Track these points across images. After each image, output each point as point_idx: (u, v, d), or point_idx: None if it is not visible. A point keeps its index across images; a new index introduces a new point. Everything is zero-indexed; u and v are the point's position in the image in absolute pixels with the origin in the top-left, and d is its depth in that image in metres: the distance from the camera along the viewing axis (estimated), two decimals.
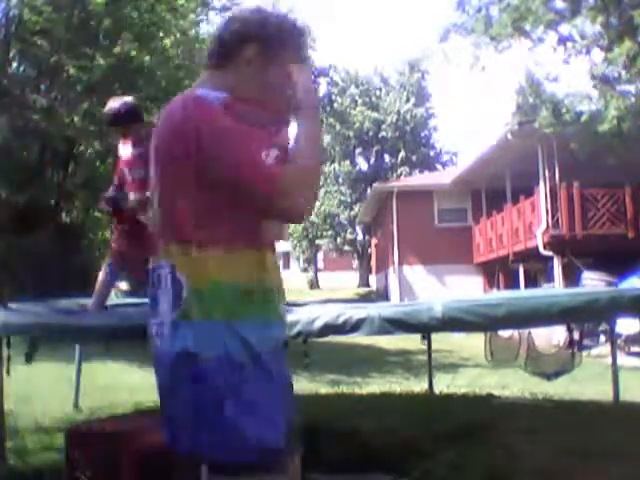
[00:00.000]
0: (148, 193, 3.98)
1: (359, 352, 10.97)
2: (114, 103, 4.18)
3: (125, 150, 4.23)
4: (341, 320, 3.65)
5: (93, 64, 12.66)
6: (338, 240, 34.92)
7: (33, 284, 11.61)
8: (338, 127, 33.57)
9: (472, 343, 10.79)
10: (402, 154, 33.75)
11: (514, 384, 7.51)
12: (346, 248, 36.17)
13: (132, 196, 4.15)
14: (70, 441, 3.47)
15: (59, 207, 14.31)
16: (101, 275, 4.26)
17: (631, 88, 13.11)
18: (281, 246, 18.93)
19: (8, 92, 12.50)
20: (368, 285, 32.06)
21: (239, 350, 1.55)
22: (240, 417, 1.54)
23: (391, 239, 21.18)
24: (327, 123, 30.51)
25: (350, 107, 34.24)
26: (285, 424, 1.61)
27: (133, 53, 13.38)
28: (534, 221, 15.58)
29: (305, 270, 40.52)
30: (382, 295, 22.31)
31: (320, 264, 42.38)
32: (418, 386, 7.47)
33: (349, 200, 34.19)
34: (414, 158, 34.06)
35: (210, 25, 18.47)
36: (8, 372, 4.05)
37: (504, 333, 7.30)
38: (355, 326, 3.61)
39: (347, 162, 34.73)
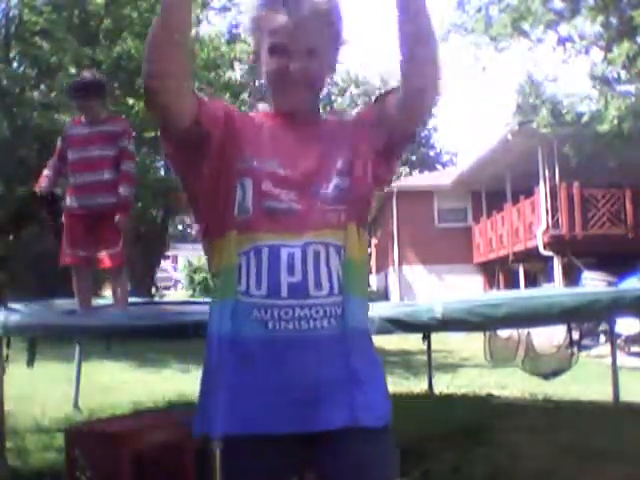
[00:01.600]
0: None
1: None
2: (81, 77, 4.21)
3: (78, 129, 4.13)
4: None
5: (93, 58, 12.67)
6: None
7: (33, 283, 11.61)
8: None
9: (472, 343, 10.79)
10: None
11: (514, 384, 7.51)
12: None
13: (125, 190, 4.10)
14: (70, 441, 3.47)
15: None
16: (75, 284, 4.16)
17: (631, 88, 13.11)
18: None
19: (8, 92, 12.51)
20: (368, 285, 32.09)
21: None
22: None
23: (391, 239, 21.17)
24: None
25: (350, 107, 34.27)
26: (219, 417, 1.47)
27: (133, 52, 13.39)
28: (534, 221, 15.58)
29: None
30: (382, 295, 22.30)
31: None
32: (418, 386, 7.47)
33: None
34: (414, 158, 34.07)
35: (210, 25, 18.52)
36: (4, 371, 4.05)
37: (503, 333, 7.30)
38: None
39: None
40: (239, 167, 1.57)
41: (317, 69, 1.63)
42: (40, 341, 4.96)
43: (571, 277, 14.00)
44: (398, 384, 7.73)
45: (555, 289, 11.11)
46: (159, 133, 1.63)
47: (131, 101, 13.37)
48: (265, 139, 1.62)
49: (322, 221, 1.55)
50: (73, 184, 4.13)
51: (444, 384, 7.46)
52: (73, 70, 12.59)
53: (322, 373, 1.49)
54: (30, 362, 4.73)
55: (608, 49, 12.68)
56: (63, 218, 4.19)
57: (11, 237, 12.50)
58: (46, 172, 4.19)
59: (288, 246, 1.51)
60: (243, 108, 19.31)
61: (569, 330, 6.59)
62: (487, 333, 7.08)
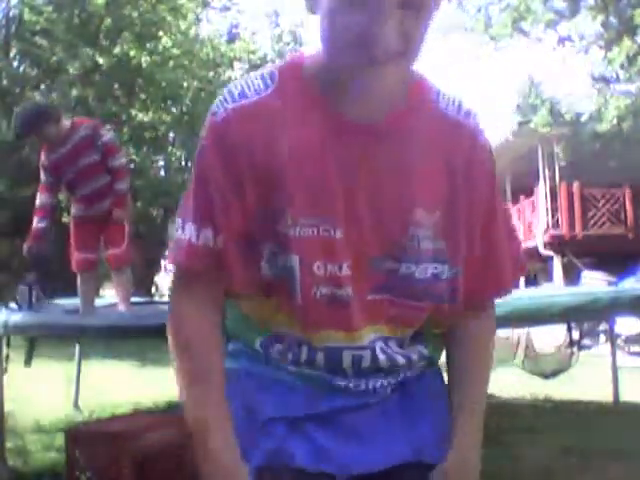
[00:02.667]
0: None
1: None
2: (16, 114, 4.07)
3: (49, 157, 4.08)
4: None
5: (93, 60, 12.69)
6: None
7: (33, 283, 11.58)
8: None
9: None
10: None
11: (514, 384, 7.51)
12: None
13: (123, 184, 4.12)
14: (70, 441, 3.46)
15: (59, 207, 14.32)
16: (80, 286, 4.19)
17: (631, 88, 13.11)
18: None
19: (9, 91, 12.51)
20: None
21: None
22: None
23: None
24: None
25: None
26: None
27: (133, 53, 13.40)
28: (534, 221, 15.58)
29: None
30: None
31: None
32: None
33: None
34: None
35: (210, 25, 18.54)
36: (7, 371, 4.05)
37: (502, 333, 7.30)
38: None
39: None
40: (279, 232, 1.04)
41: (417, 28, 0.94)
42: (40, 341, 4.96)
43: (571, 277, 13.99)
44: None
45: (555, 289, 11.11)
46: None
47: (133, 112, 13.39)
48: (311, 171, 1.02)
49: (401, 317, 1.12)
50: (74, 198, 4.24)
51: None
52: (74, 71, 12.59)
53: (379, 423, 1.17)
54: (28, 361, 4.73)
55: (608, 48, 12.68)
56: (71, 225, 4.27)
57: (12, 237, 12.49)
58: (37, 222, 4.17)
59: (353, 348, 1.10)
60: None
61: (569, 330, 6.59)
62: None
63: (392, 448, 1.15)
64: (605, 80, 12.98)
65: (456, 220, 1.09)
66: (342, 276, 1.05)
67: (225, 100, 1.04)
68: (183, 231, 1.06)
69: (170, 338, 1.11)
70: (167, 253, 0.94)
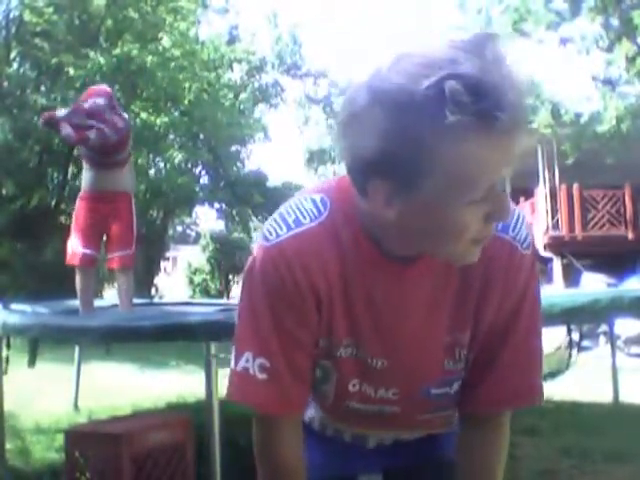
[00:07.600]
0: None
1: None
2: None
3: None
4: None
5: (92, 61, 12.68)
6: None
7: (33, 285, 11.61)
8: None
9: None
10: None
11: None
12: None
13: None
14: (70, 442, 3.46)
15: (59, 209, 14.33)
16: (79, 284, 4.19)
17: (631, 89, 13.13)
18: None
19: (9, 93, 12.53)
20: None
21: None
22: None
23: None
24: (327, 124, 30.55)
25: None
26: None
27: (134, 53, 13.41)
28: (534, 222, 15.58)
29: None
30: None
31: None
32: None
33: None
34: None
35: (210, 26, 18.57)
36: (7, 372, 4.06)
37: None
38: None
39: None
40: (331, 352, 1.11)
41: None
42: (40, 342, 4.97)
43: (571, 278, 14.00)
44: None
45: (555, 290, 11.11)
46: None
47: (134, 112, 13.40)
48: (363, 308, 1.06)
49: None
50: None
51: None
52: (72, 71, 12.60)
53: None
54: (31, 362, 4.74)
55: (608, 50, 12.69)
56: (75, 214, 4.19)
57: (13, 239, 12.50)
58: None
59: (377, 436, 1.31)
60: (242, 107, 19.32)
61: (569, 331, 6.59)
62: None
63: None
64: (607, 81, 12.99)
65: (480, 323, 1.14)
66: (378, 397, 1.16)
67: (279, 227, 1.03)
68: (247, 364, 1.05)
69: (260, 468, 1.14)
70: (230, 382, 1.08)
